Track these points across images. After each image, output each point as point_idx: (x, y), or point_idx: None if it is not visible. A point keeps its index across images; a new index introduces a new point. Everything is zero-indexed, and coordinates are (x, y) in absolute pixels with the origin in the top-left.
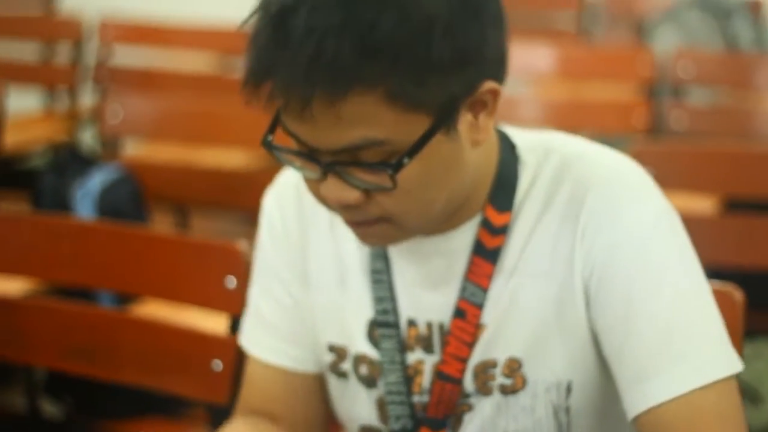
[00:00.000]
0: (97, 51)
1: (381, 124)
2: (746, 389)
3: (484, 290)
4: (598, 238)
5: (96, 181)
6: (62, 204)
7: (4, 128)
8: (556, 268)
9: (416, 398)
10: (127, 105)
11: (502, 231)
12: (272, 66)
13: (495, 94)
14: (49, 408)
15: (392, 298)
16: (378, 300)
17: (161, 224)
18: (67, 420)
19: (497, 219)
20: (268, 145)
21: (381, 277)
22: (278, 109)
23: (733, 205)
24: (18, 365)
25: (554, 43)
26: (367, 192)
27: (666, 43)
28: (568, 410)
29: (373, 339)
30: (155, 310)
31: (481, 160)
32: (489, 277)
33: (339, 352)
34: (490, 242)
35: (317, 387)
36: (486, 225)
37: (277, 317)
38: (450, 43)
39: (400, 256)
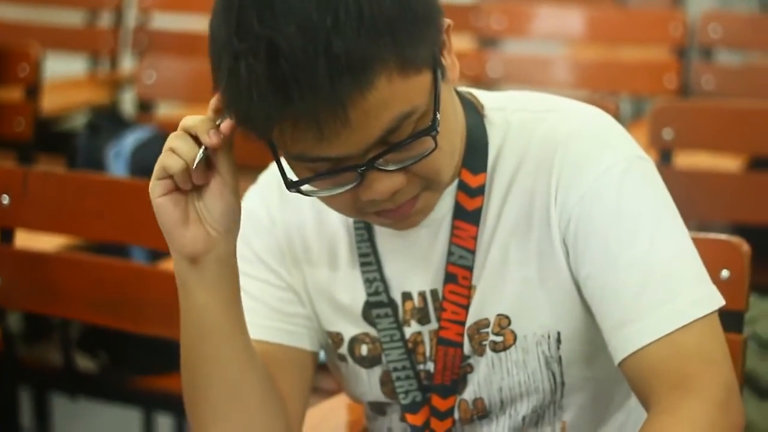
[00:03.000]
0: (136, 16)
1: (404, 96)
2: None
3: (472, 252)
4: (571, 190)
5: (129, 140)
6: (96, 163)
7: (42, 92)
8: (534, 224)
9: (421, 367)
10: (161, 68)
11: (480, 192)
12: (287, 104)
13: (448, 28)
14: (84, 362)
15: (382, 279)
16: (369, 282)
17: None
18: (100, 374)
19: (473, 181)
20: (295, 187)
21: (369, 260)
22: (277, 149)
23: (758, 164)
24: (54, 321)
25: (588, 5)
26: (406, 169)
27: (702, 4)
28: (559, 360)
29: (369, 319)
30: None
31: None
32: (474, 238)
33: (334, 338)
34: (469, 204)
35: (310, 364)
36: (463, 188)
37: (267, 296)
38: (422, 3)
39: (384, 234)
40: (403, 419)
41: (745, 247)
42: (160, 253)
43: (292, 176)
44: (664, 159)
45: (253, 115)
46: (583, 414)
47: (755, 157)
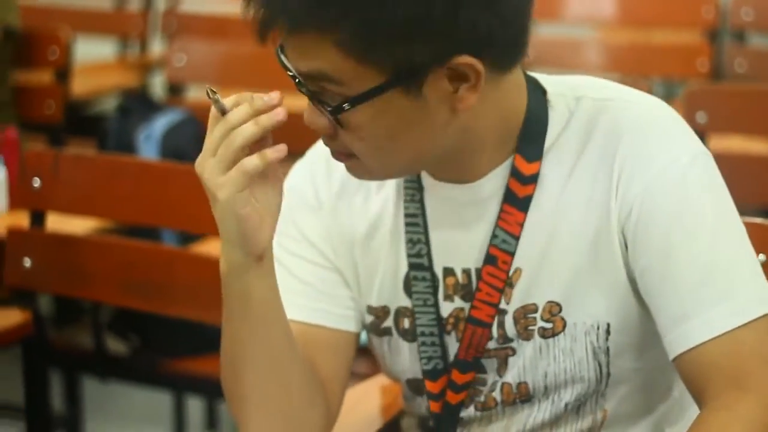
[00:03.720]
0: (165, 0)
1: (335, 64)
2: None
3: (516, 237)
4: (633, 182)
5: (159, 123)
6: (126, 146)
7: (72, 75)
8: (592, 214)
9: (446, 338)
10: (191, 51)
11: (533, 180)
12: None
13: (475, 69)
14: (115, 345)
15: (426, 242)
16: (411, 243)
17: None
18: (131, 357)
19: (527, 168)
20: (278, 55)
21: (416, 221)
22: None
23: None
24: (85, 304)
25: None
26: (333, 126)
27: None
28: (607, 351)
29: (410, 290)
30: (212, 248)
31: (505, 108)
32: (521, 224)
33: (377, 313)
34: (520, 191)
35: (352, 345)
36: (515, 174)
37: (312, 276)
38: (405, 10)
39: (434, 204)
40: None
41: None
42: (190, 236)
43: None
44: None
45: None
46: (625, 403)
47: None
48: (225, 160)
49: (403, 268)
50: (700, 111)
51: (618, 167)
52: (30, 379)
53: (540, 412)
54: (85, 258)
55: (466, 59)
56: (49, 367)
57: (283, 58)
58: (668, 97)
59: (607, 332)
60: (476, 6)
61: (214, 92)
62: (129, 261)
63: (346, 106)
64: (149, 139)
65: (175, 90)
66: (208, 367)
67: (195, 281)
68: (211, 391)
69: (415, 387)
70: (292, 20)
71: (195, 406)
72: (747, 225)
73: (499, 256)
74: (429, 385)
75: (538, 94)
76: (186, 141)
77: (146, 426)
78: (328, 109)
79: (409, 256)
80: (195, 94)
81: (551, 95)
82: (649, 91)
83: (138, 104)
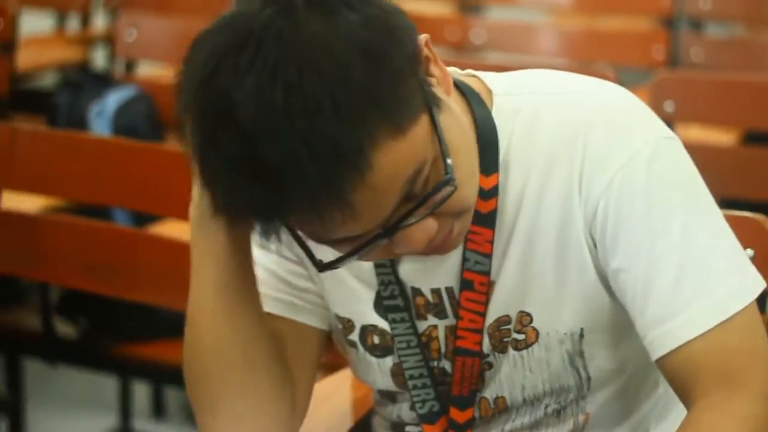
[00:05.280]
0: None
1: (406, 158)
2: None
3: (488, 256)
4: (595, 180)
5: (111, 99)
6: (78, 122)
7: (18, 50)
8: (554, 218)
9: (434, 364)
10: (141, 26)
11: (494, 193)
12: (284, 201)
13: (426, 42)
14: (63, 328)
15: (393, 271)
16: (381, 277)
17: (175, 147)
18: (80, 340)
19: (486, 183)
20: (324, 267)
21: (382, 261)
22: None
23: (753, 138)
24: (32, 284)
25: None
26: (433, 214)
27: None
28: (582, 353)
29: (381, 309)
30: (171, 230)
31: (459, 128)
32: (490, 241)
33: (345, 324)
34: (484, 207)
35: (317, 341)
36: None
37: (278, 267)
38: (393, 51)
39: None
40: (413, 409)
41: None
42: (144, 216)
43: (319, 252)
44: None
45: (253, 216)
46: (608, 406)
47: (749, 131)
48: None
49: (372, 287)
50: (668, 100)
51: (578, 166)
52: None
53: (518, 420)
54: (39, 238)
55: (421, 41)
56: None
57: (352, 235)
58: (626, 86)
59: (581, 336)
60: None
61: None
62: (88, 242)
63: (449, 161)
64: (101, 115)
65: (122, 66)
66: (158, 351)
67: (156, 264)
68: (160, 376)
69: (387, 396)
70: (358, 165)
71: (141, 390)
72: (734, 219)
73: (474, 279)
74: (428, 429)
75: (479, 102)
76: (139, 118)
77: (91, 411)
78: (449, 187)
79: (381, 283)
80: (146, 69)
81: (496, 96)
82: (614, 79)
83: (85, 80)
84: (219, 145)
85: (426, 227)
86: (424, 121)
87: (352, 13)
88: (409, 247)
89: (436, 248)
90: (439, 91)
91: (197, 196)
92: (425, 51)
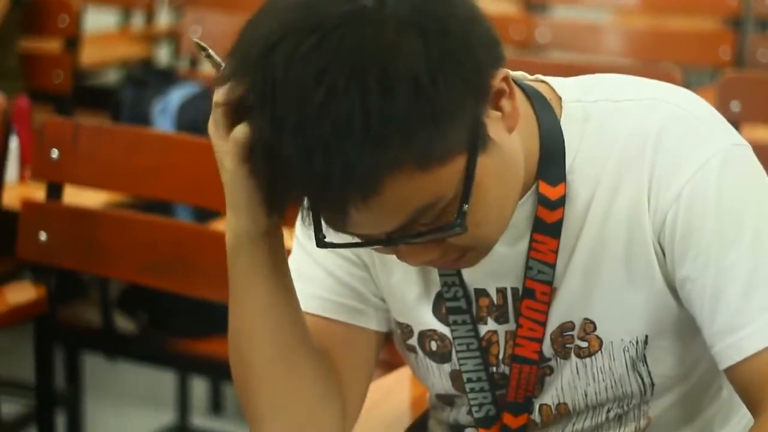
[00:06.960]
0: None
1: (424, 190)
2: None
3: (552, 265)
4: (665, 189)
5: (175, 96)
6: (141, 118)
7: (82, 46)
8: (622, 226)
9: (493, 369)
10: (206, 23)
11: (560, 203)
12: (294, 185)
13: (505, 77)
14: (123, 323)
15: (458, 272)
16: (443, 270)
17: None
18: (139, 334)
19: (552, 193)
20: (323, 245)
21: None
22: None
23: None
24: (93, 279)
25: None
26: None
27: None
28: (645, 359)
29: (440, 313)
30: None
31: (522, 136)
32: (555, 251)
33: (404, 329)
34: (549, 217)
35: (375, 344)
36: (543, 201)
37: (339, 269)
38: (448, 87)
39: None
40: (470, 413)
41: None
42: (206, 212)
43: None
44: None
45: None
46: (671, 410)
47: None
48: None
49: (433, 291)
50: (734, 100)
51: (647, 175)
52: (43, 358)
53: (579, 422)
54: (104, 233)
55: (497, 75)
56: (54, 344)
57: (356, 233)
58: (687, 86)
59: (645, 342)
60: (476, 39)
61: (204, 48)
62: (149, 238)
63: (465, 208)
64: (164, 112)
65: (191, 63)
66: (216, 348)
67: (217, 260)
68: (218, 372)
69: (445, 400)
70: (366, 188)
71: (199, 386)
72: None
73: (536, 288)
74: None
75: (547, 108)
76: (202, 115)
77: (149, 407)
78: (457, 228)
79: (443, 284)
80: (210, 67)
81: (565, 103)
82: (680, 79)
83: (149, 76)
84: (253, 120)
85: (427, 250)
86: (458, 161)
87: (421, 40)
88: (410, 261)
89: (446, 265)
90: (497, 129)
91: (232, 221)
92: (499, 86)
